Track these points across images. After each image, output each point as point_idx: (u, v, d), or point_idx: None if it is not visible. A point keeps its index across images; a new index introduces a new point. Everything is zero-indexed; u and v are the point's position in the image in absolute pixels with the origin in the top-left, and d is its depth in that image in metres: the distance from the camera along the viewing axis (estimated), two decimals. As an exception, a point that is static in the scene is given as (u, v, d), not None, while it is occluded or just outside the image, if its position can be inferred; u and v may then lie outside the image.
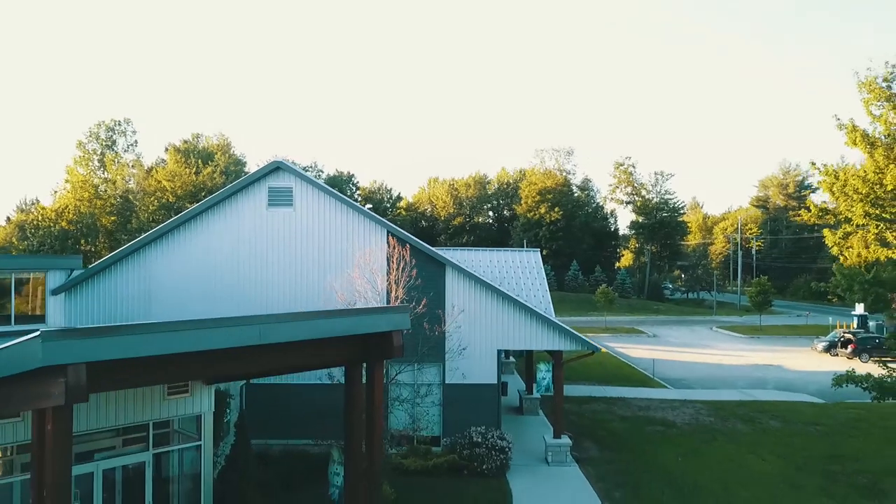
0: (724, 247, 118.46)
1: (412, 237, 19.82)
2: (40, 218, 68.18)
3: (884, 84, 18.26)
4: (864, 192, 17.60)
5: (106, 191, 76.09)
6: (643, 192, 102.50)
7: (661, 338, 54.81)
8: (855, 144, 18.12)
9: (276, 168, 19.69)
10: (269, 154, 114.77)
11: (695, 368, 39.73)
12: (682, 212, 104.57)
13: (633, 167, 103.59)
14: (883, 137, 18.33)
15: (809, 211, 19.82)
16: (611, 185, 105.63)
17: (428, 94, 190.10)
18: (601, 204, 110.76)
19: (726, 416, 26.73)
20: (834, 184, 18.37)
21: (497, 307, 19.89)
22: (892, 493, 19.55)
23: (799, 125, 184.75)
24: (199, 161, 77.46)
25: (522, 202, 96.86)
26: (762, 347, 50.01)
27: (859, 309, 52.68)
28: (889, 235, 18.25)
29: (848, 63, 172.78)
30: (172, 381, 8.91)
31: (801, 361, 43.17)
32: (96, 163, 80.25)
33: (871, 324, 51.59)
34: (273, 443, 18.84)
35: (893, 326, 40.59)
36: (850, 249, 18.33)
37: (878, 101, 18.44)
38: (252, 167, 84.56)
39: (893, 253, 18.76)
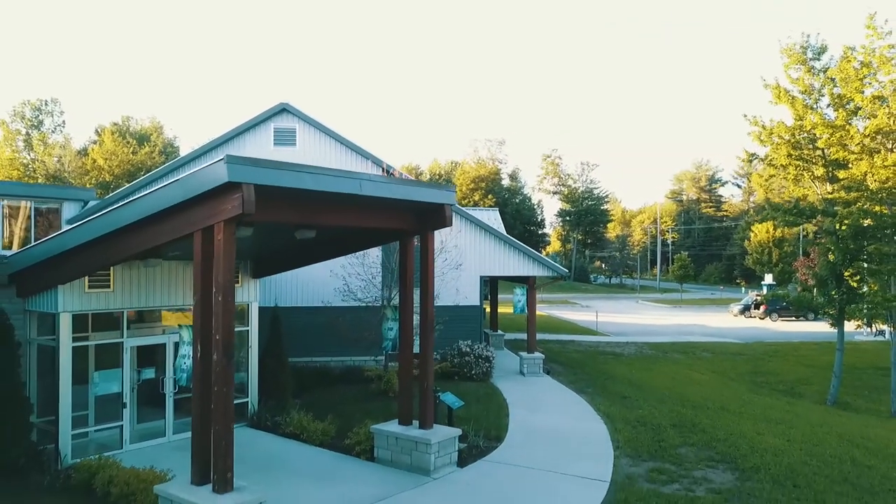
0: (641, 238, 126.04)
1: (404, 172, 22.20)
2: (-33, 195, 65.93)
3: (800, 50, 22.03)
4: (786, 136, 21.29)
5: (35, 171, 74.11)
6: (570, 182, 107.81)
7: (593, 308, 58.70)
8: (780, 99, 21.79)
9: (282, 110, 21.60)
10: (203, 136, 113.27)
11: (629, 327, 43.64)
12: (606, 200, 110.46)
13: (560, 159, 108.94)
14: (800, 95, 22.12)
15: (742, 158, 23.55)
16: (538, 176, 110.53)
17: (361, 85, 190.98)
18: (529, 194, 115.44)
19: (665, 350, 30.40)
20: (762, 132, 22.03)
21: (480, 239, 22.50)
22: (806, 394, 23.52)
23: (710, 124, 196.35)
24: (135, 141, 76.64)
25: (457, 190, 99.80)
26: (684, 314, 54.79)
27: (768, 279, 58.81)
28: (806, 175, 22.06)
29: (755, 64, 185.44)
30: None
31: (720, 321, 47.89)
32: (21, 143, 77.90)
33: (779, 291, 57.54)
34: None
35: (796, 292, 46.07)
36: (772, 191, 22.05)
37: (796, 64, 22.20)
38: (185, 150, 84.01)
39: (808, 190, 22.69)
